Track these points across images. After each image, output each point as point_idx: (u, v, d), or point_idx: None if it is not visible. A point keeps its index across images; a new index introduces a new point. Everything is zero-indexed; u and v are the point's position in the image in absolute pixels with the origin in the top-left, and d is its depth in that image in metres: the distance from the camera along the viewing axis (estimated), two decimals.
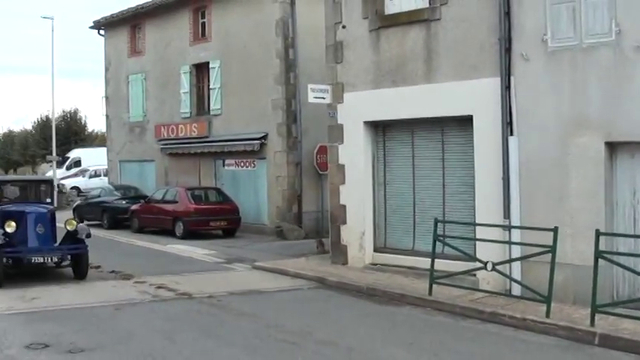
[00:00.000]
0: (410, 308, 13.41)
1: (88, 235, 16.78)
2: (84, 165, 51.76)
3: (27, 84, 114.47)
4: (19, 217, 16.06)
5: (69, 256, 16.34)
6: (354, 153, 17.82)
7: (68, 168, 52.56)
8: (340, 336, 10.96)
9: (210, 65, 29.63)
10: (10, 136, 78.04)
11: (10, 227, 15.60)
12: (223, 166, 29.49)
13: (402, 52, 16.55)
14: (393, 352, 10.05)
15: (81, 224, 18.03)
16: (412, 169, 17.02)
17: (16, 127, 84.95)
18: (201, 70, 30.65)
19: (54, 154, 45.90)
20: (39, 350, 9.95)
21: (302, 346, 10.27)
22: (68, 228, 16.57)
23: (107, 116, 37.44)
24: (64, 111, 66.36)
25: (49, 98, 48.13)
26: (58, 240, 16.64)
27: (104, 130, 41.42)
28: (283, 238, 25.09)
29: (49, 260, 15.81)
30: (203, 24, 30.38)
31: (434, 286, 13.79)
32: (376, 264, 17.36)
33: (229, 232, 26.56)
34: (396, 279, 15.79)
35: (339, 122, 18.21)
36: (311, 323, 11.88)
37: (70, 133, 64.63)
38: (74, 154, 55.62)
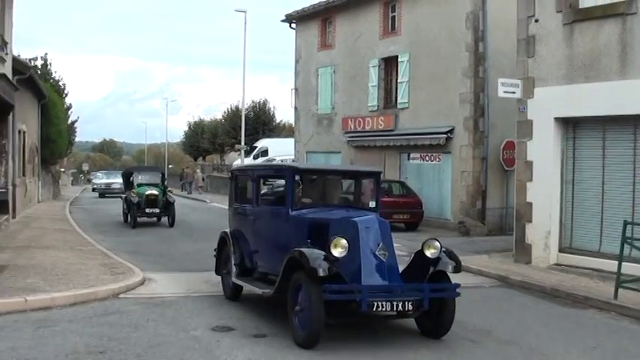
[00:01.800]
0: (594, 312, 12.97)
1: (457, 268, 10.46)
2: (271, 155, 53.21)
3: (220, 75, 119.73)
4: (343, 231, 10.07)
5: (426, 303, 9.77)
6: (543, 149, 17.42)
7: (255, 157, 54.21)
8: (521, 336, 10.76)
9: (399, 59, 29.77)
10: (200, 124, 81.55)
11: (340, 248, 9.58)
12: (408, 159, 29.59)
13: (596, 46, 16.03)
14: (575, 356, 9.77)
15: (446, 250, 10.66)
16: (602, 168, 16.45)
17: (207, 117, 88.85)
18: (389, 63, 30.86)
19: (242, 143, 47.63)
20: (223, 333, 10.35)
21: (483, 344, 10.18)
22: (428, 254, 10.38)
23: (296, 108, 38.43)
24: (253, 101, 68.46)
25: (240, 89, 49.87)
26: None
27: (292, 121, 42.59)
28: (466, 234, 24.87)
29: (400, 308, 9.59)
30: (393, 18, 30.58)
31: (620, 290, 13.25)
32: (560, 264, 16.91)
33: (412, 226, 26.63)
34: (580, 281, 15.32)
35: (528, 118, 17.86)
36: (492, 322, 11.74)
37: (259, 123, 66.62)
38: (262, 143, 57.35)
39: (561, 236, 17.27)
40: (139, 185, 28.31)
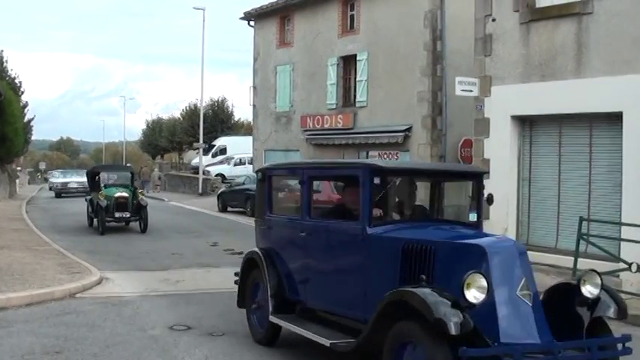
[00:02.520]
0: None
1: (622, 313, 7.25)
2: (229, 153, 53.13)
3: (178, 73, 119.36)
4: (462, 260, 6.96)
5: None
6: (500, 147, 17.56)
7: (214, 155, 54.12)
8: None
9: (358, 57, 29.80)
10: (158, 123, 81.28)
11: (478, 290, 6.34)
12: (367, 157, 29.60)
13: (552, 45, 16.21)
14: None
15: None
16: (558, 165, 16.64)
17: (165, 115, 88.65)
18: (348, 62, 30.87)
19: (201, 141, 47.51)
20: (181, 332, 10.34)
21: None
22: (587, 292, 7.06)
23: (254, 106, 38.31)
24: (212, 99, 68.38)
25: (199, 87, 49.77)
26: None
27: (250, 119, 42.49)
28: None
29: None
30: (352, 16, 30.58)
31: None
32: None
33: None
34: (537, 277, 15.29)
35: (485, 116, 17.99)
36: None
37: (217, 121, 66.48)
38: (220, 142, 57.17)
39: (518, 233, 17.40)
40: (107, 186, 25.90)
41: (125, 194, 24.75)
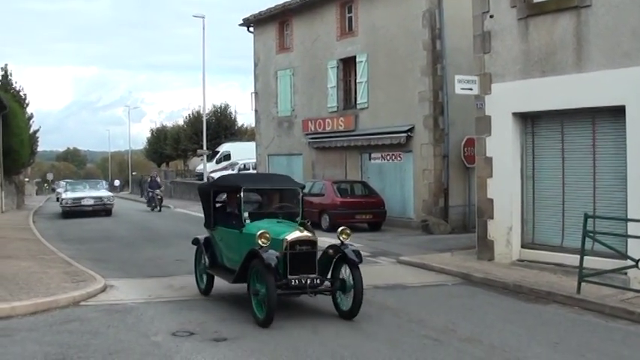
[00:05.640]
0: (557, 307, 13.00)
1: None
2: (233, 159, 53.30)
3: (182, 81, 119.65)
4: None
5: None
6: (502, 145, 17.47)
7: (218, 162, 54.27)
8: (484, 333, 10.75)
9: (357, 59, 29.80)
10: (162, 131, 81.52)
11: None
12: (369, 159, 29.62)
13: (551, 40, 16.11)
14: (539, 352, 9.75)
15: None
16: (562, 162, 16.52)
17: (169, 123, 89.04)
18: (348, 64, 30.89)
19: (204, 148, 47.60)
20: (184, 338, 10.26)
21: (445, 343, 10.15)
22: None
23: (256, 111, 38.36)
24: (214, 106, 68.78)
25: (201, 94, 49.79)
26: None
27: (253, 124, 42.43)
28: (429, 233, 24.93)
29: None
30: (350, 18, 30.62)
31: (582, 284, 13.30)
32: (523, 260, 16.94)
33: (375, 226, 26.66)
34: (543, 276, 15.37)
35: (486, 114, 17.90)
36: (455, 320, 11.70)
37: (220, 127, 66.71)
38: (224, 148, 57.37)
39: (523, 232, 17.31)
40: (255, 218, 12.97)
41: (308, 234, 11.97)
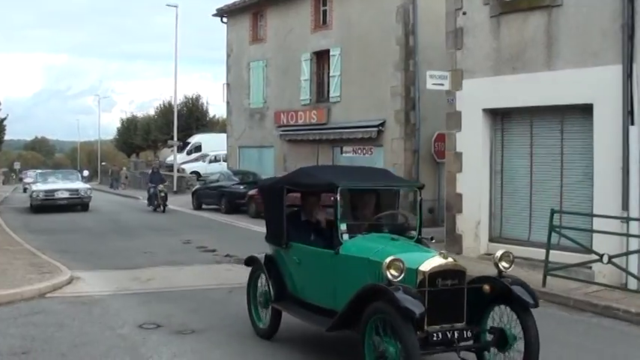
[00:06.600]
0: None
1: None
2: (204, 150, 53.02)
3: (154, 71, 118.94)
4: None
5: None
6: (472, 141, 17.57)
7: (189, 153, 53.96)
8: None
9: (331, 53, 29.78)
10: (133, 121, 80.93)
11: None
12: (341, 153, 29.62)
13: (522, 38, 16.22)
14: None
15: None
16: (530, 158, 16.66)
17: (140, 113, 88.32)
18: (321, 57, 30.86)
19: (175, 139, 47.37)
20: (150, 330, 10.21)
21: None
22: None
23: (228, 103, 38.23)
24: (186, 97, 68.04)
25: (173, 84, 49.57)
26: None
27: (225, 116, 42.29)
28: None
29: None
30: (324, 11, 30.57)
31: (548, 277, 13.49)
32: (491, 254, 16.93)
33: None
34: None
35: (457, 109, 17.99)
36: None
37: (192, 118, 66.20)
38: (195, 139, 57.01)
39: (491, 226, 17.44)
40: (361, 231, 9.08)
41: (453, 262, 7.80)
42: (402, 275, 7.18)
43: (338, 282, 8.37)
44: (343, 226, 8.50)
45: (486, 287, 7.85)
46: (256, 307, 10.14)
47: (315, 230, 9.38)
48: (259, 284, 10.07)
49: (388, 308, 7.11)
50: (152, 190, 33.72)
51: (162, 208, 32.75)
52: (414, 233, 9.11)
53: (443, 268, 7.52)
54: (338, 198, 8.42)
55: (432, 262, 7.50)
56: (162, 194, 32.95)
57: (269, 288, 9.61)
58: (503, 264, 8.08)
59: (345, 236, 8.48)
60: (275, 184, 10.22)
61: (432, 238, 9.35)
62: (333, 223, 8.60)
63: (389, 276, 7.15)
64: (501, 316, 7.93)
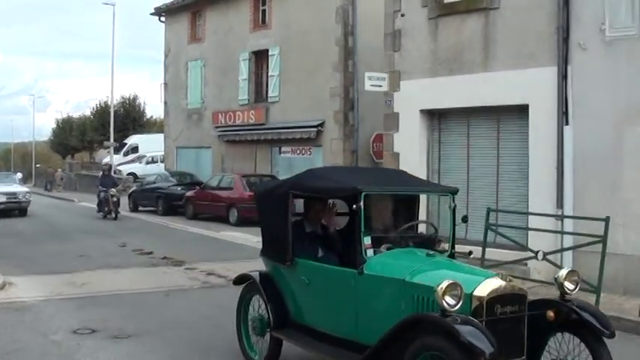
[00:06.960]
0: None
1: None
2: (141, 151, 52.38)
3: (91, 70, 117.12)
4: None
5: None
6: (409, 141, 17.65)
7: (125, 154, 53.22)
8: None
9: (270, 52, 29.73)
10: (68, 122, 79.56)
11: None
12: (280, 153, 29.60)
13: (460, 40, 16.36)
14: None
15: None
16: (467, 158, 16.82)
17: (76, 113, 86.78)
18: (260, 57, 30.79)
19: (112, 140, 46.77)
20: (85, 335, 9.99)
21: None
22: None
23: (165, 103, 37.91)
24: (122, 97, 67.33)
25: (109, 84, 48.97)
26: None
27: (162, 116, 41.91)
28: None
29: None
30: (263, 11, 30.52)
31: None
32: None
33: None
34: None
35: (395, 110, 18.06)
36: None
37: (129, 119, 65.47)
38: (132, 140, 56.28)
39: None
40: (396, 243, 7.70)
41: (513, 285, 6.60)
42: (460, 304, 5.79)
43: (361, 307, 6.93)
44: (367, 240, 7.04)
45: (551, 314, 6.44)
46: (247, 335, 8.58)
47: (325, 244, 8.01)
48: (251, 308, 8.55)
49: (445, 345, 5.68)
50: (103, 194, 30.08)
51: (113, 214, 29.32)
52: (444, 246, 7.84)
53: (502, 292, 6.11)
54: (361, 206, 6.95)
55: (488, 285, 6.10)
56: (115, 199, 29.54)
57: (268, 313, 8.03)
58: (568, 285, 6.66)
59: (370, 252, 7.03)
60: (276, 188, 8.51)
61: (470, 253, 8.34)
62: (348, 236, 7.48)
63: (444, 305, 5.73)
64: (560, 346, 6.65)
